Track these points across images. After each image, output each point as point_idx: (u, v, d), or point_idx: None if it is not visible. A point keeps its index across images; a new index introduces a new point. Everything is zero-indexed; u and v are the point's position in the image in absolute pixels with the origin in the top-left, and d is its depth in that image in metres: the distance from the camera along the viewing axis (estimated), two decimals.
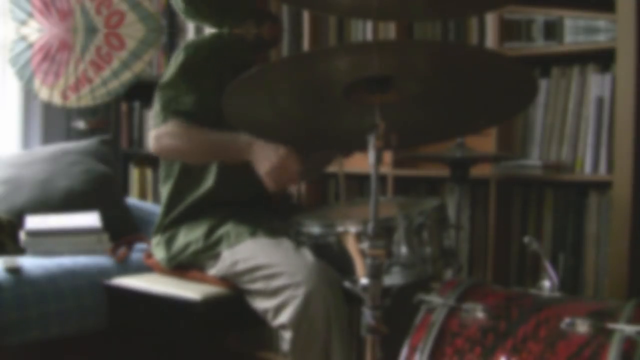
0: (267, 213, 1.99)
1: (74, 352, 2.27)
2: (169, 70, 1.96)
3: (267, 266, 1.74)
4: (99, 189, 2.72)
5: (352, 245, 1.55)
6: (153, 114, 1.95)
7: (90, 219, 2.49)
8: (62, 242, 2.40)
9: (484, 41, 2.28)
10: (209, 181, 1.95)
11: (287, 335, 1.68)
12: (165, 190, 2.04)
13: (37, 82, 2.94)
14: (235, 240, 1.84)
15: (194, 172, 1.97)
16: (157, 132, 1.89)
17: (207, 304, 1.80)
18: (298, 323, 1.66)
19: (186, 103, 1.88)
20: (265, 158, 1.75)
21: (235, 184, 1.94)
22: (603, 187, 2.06)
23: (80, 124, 3.28)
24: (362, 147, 1.29)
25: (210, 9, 2.01)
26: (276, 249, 1.77)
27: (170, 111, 1.88)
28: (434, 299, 1.34)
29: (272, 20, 2.03)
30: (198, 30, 3.06)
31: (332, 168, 2.14)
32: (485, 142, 2.19)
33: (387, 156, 2.40)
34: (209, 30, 2.96)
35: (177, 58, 1.96)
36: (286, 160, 1.74)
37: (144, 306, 1.92)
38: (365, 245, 1.27)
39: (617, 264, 1.96)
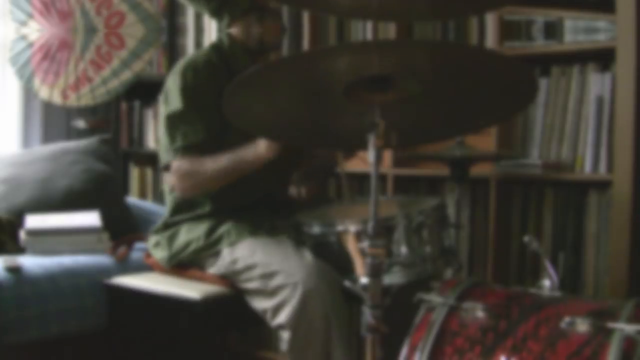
0: (269, 212, 1.99)
1: (74, 352, 2.27)
2: (171, 98, 1.93)
3: (264, 265, 1.74)
4: (99, 188, 2.72)
5: (352, 245, 1.55)
6: (163, 146, 1.93)
7: (90, 218, 2.49)
8: (62, 242, 2.40)
9: (484, 41, 2.28)
10: (209, 202, 1.95)
11: (285, 335, 1.68)
12: (169, 199, 2.04)
13: (37, 81, 2.94)
14: (236, 239, 1.84)
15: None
16: (174, 177, 1.88)
17: (207, 304, 1.80)
18: (296, 323, 1.66)
19: (195, 135, 1.87)
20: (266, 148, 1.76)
21: (237, 196, 1.93)
22: (603, 186, 2.06)
23: (80, 123, 3.28)
24: (362, 147, 1.29)
25: None
26: (275, 248, 1.77)
27: (178, 148, 1.87)
28: (434, 298, 1.34)
29: (274, 17, 2.00)
30: (198, 30, 3.06)
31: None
32: (485, 141, 2.20)
33: (387, 155, 2.40)
34: (208, 35, 2.98)
35: (176, 82, 1.92)
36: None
37: (144, 305, 1.92)
38: (365, 244, 1.27)
39: (617, 263, 1.96)
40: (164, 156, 1.92)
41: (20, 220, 2.47)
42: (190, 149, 1.87)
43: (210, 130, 1.88)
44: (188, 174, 1.86)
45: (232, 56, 1.99)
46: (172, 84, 1.94)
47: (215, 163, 1.84)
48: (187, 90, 1.90)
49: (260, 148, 1.77)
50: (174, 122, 1.90)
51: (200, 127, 1.88)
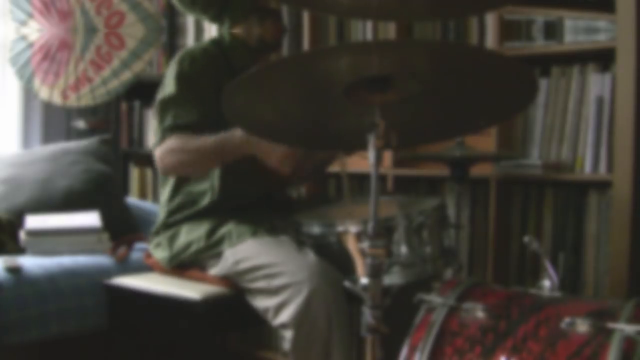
0: (269, 212, 1.99)
1: (74, 352, 2.27)
2: (166, 84, 1.94)
3: (268, 265, 1.74)
4: (99, 189, 2.72)
5: (352, 245, 1.55)
6: (153, 131, 1.94)
7: (90, 219, 2.49)
8: (62, 242, 2.40)
9: (484, 41, 2.28)
10: (209, 196, 1.95)
11: (288, 334, 1.68)
12: (163, 195, 2.04)
13: (37, 82, 2.94)
14: (237, 240, 1.84)
15: (192, 180, 1.98)
16: (159, 151, 1.87)
17: (207, 304, 1.80)
18: (299, 322, 1.65)
19: (186, 116, 1.87)
20: (272, 148, 1.76)
21: (237, 193, 1.93)
22: (603, 186, 2.06)
23: (80, 124, 3.28)
24: (363, 147, 1.29)
25: (209, 0, 1.98)
26: (278, 248, 1.77)
27: (167, 128, 1.87)
28: (434, 298, 1.34)
29: (274, 18, 2.00)
30: (198, 30, 3.06)
31: (333, 167, 2.14)
32: (485, 142, 2.20)
33: (387, 156, 2.40)
34: (208, 34, 2.98)
35: (172, 70, 1.93)
36: (291, 148, 1.75)
37: (144, 306, 1.92)
38: (365, 244, 1.27)
39: (617, 263, 1.96)
40: (153, 138, 1.93)
41: (20, 220, 2.47)
42: (179, 129, 1.86)
43: (204, 118, 1.88)
44: (173, 150, 1.85)
45: (233, 51, 2.00)
46: (169, 72, 1.95)
47: (202, 141, 1.84)
48: (182, 77, 1.91)
49: (238, 140, 1.79)
50: (165, 105, 1.90)
51: (192, 111, 1.88)
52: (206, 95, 1.87)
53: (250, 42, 1.99)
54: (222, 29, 2.04)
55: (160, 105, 1.91)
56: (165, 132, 1.87)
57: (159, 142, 1.89)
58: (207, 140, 1.83)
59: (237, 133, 1.80)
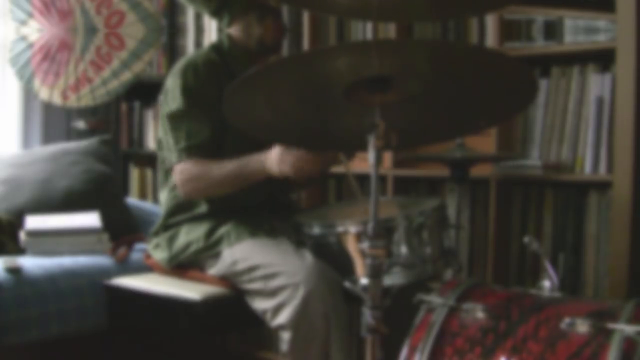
0: (268, 213, 1.99)
1: (74, 352, 2.27)
2: (172, 97, 1.93)
3: (265, 266, 1.74)
4: (99, 189, 2.72)
5: (352, 245, 1.55)
6: (166, 147, 1.94)
7: (90, 219, 2.49)
8: (62, 242, 2.40)
9: (484, 41, 2.28)
10: (206, 204, 1.96)
11: (285, 335, 1.68)
12: (163, 197, 2.04)
13: (37, 82, 2.94)
14: (236, 240, 1.84)
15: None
16: (179, 178, 1.89)
17: (207, 304, 1.80)
18: (297, 324, 1.66)
19: (199, 135, 1.88)
20: (283, 163, 1.75)
21: (237, 199, 1.93)
22: (603, 187, 2.06)
23: (80, 124, 3.28)
24: (362, 147, 1.29)
25: None
26: (275, 249, 1.77)
27: (184, 148, 1.87)
28: (434, 299, 1.34)
29: (274, 16, 1.99)
30: (198, 30, 3.06)
31: (336, 168, 2.13)
32: (485, 142, 2.19)
33: (387, 156, 2.40)
34: (208, 35, 2.98)
35: (177, 82, 1.92)
36: (300, 155, 1.74)
37: (144, 306, 1.92)
38: (365, 245, 1.27)
39: (617, 264, 1.96)
40: (169, 156, 1.92)
41: (20, 221, 2.47)
42: (194, 150, 1.87)
43: (212, 130, 1.88)
44: (193, 178, 1.87)
45: (232, 57, 1.99)
46: (173, 84, 1.94)
47: (221, 170, 1.84)
48: (188, 90, 1.90)
49: (256, 166, 1.79)
50: (176, 121, 1.90)
51: (203, 127, 1.88)
52: (211, 106, 1.87)
53: (250, 45, 1.98)
54: (221, 24, 2.03)
55: (171, 121, 1.91)
56: (182, 152, 1.88)
57: (176, 163, 1.89)
58: (225, 168, 1.84)
59: (253, 160, 1.81)
